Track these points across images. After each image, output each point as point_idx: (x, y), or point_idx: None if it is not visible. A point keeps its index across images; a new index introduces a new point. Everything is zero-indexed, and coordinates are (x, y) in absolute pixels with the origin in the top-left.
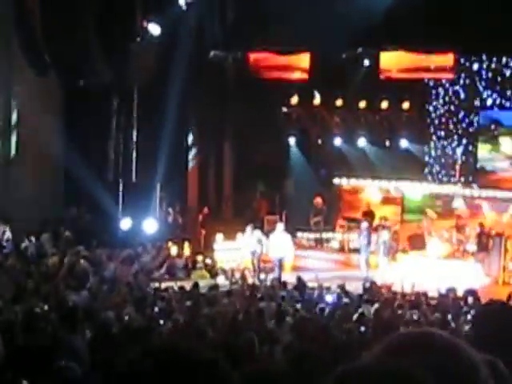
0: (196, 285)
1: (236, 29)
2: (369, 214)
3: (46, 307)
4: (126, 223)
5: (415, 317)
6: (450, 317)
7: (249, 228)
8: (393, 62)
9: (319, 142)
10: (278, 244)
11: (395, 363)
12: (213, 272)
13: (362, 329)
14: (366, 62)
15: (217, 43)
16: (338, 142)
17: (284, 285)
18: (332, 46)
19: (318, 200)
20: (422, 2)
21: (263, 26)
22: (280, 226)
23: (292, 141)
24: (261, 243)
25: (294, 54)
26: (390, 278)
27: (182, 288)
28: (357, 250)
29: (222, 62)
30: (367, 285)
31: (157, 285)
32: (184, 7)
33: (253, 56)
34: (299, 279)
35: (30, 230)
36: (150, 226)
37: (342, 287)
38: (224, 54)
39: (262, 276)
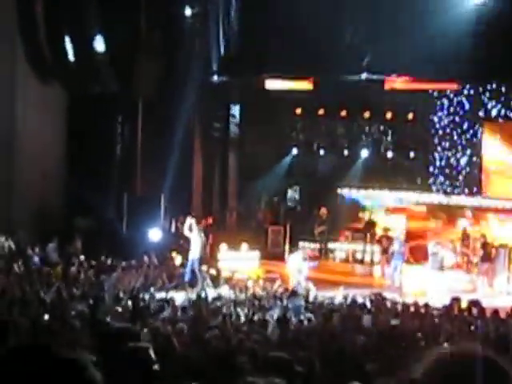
0: (200, 295)
1: (240, 56)
2: (371, 225)
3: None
4: (154, 234)
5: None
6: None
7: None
8: None
9: (321, 152)
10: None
11: None
12: (216, 282)
13: (362, 338)
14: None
15: (220, 68)
16: (342, 152)
17: (294, 294)
18: (335, 74)
19: (323, 210)
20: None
21: (265, 54)
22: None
23: (295, 151)
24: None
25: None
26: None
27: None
28: (361, 261)
29: (225, 83)
30: (372, 296)
31: (161, 294)
32: (189, 19)
33: None
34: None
35: (35, 241)
36: (155, 235)
37: (346, 298)
38: (227, 78)
39: (268, 286)
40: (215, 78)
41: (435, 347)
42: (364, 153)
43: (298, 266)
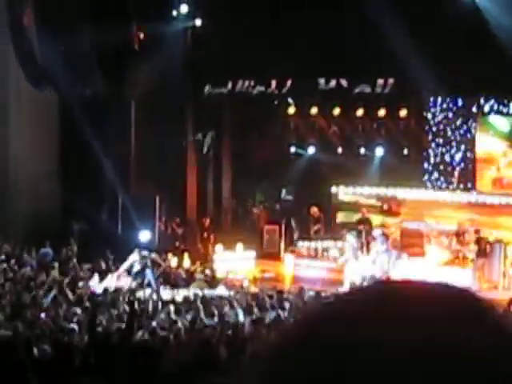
0: (197, 296)
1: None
2: (364, 222)
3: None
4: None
5: None
6: None
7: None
8: None
9: (313, 150)
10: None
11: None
12: (212, 283)
13: None
14: None
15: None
16: (336, 150)
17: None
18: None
19: (314, 209)
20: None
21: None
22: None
23: (292, 150)
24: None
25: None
26: None
27: (185, 299)
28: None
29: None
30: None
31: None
32: (180, 21)
33: None
34: (300, 289)
35: (30, 245)
36: (144, 237)
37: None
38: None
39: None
40: (206, 87)
41: None
42: (359, 150)
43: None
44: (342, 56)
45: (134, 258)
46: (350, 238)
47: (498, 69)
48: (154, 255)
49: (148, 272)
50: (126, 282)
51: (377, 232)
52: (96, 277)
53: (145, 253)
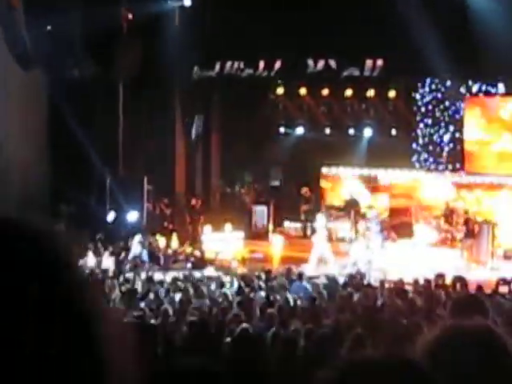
0: (186, 277)
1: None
2: (351, 203)
3: None
4: (110, 216)
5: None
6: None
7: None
8: None
9: (303, 131)
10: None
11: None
12: (201, 263)
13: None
14: None
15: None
16: (325, 131)
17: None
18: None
19: (305, 189)
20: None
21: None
22: None
23: (281, 130)
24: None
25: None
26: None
27: (175, 279)
28: (343, 239)
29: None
30: (353, 272)
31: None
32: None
33: None
34: (289, 270)
35: None
36: (132, 217)
37: (328, 277)
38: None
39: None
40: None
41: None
42: (348, 131)
43: (358, 255)
44: (331, 38)
45: (137, 240)
46: (320, 219)
47: (484, 51)
48: (151, 238)
49: (144, 254)
50: (112, 264)
51: (373, 213)
52: (89, 258)
53: (146, 236)
